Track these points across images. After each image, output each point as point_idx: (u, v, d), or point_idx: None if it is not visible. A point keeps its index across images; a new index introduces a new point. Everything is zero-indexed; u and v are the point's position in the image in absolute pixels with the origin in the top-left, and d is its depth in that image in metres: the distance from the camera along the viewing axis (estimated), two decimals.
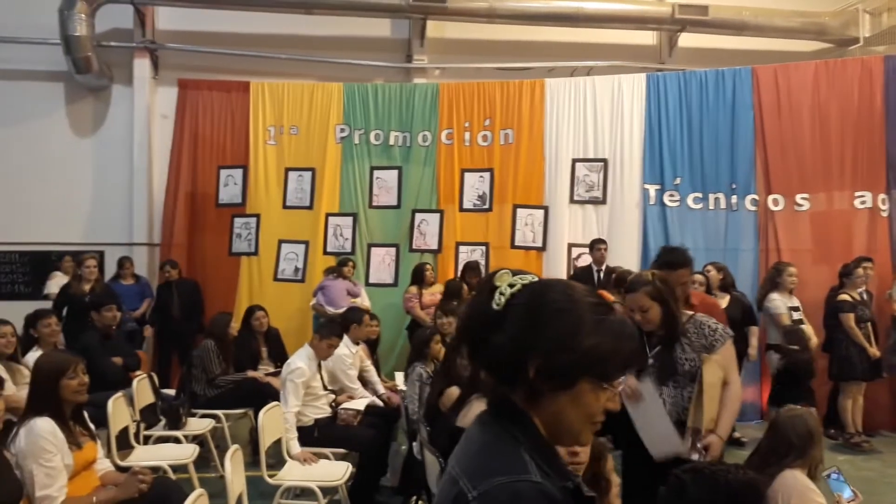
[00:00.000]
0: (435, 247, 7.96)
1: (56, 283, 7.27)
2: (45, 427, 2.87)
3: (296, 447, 4.26)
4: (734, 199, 7.58)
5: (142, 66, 8.43)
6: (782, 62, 7.91)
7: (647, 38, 9.24)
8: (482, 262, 7.71)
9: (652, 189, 7.75)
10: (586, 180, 7.89)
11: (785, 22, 8.73)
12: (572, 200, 7.91)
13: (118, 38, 8.42)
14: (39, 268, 8.00)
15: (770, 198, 7.49)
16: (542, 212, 7.93)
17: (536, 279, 1.14)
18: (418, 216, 8.04)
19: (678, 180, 7.72)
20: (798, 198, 7.43)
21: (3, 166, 8.32)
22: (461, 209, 8.05)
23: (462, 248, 7.93)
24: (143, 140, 8.41)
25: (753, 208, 7.53)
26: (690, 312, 3.06)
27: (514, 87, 8.15)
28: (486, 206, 8.03)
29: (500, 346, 1.08)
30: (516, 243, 7.95)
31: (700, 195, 7.68)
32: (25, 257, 8.40)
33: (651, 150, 7.80)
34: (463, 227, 8.03)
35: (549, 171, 7.98)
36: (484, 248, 7.93)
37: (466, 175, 8.09)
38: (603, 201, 7.86)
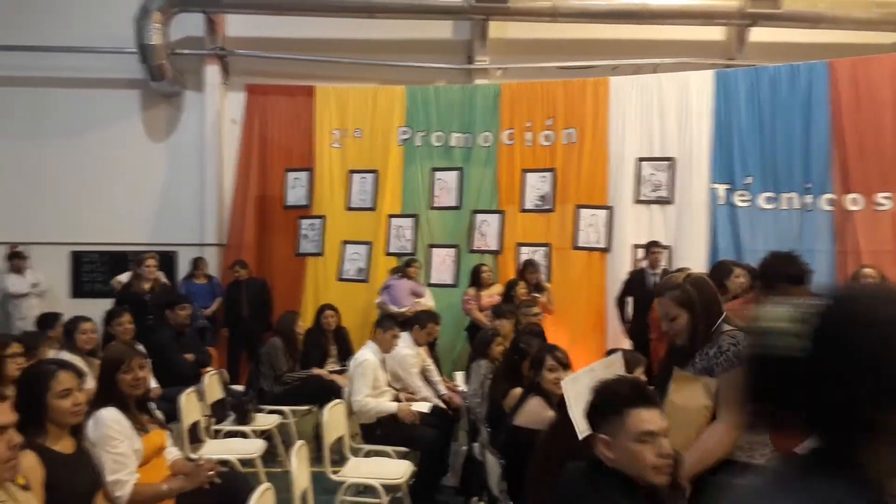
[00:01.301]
0: (495, 248, 7.94)
1: (125, 276, 7.53)
2: (109, 416, 2.98)
3: (392, 405, 4.53)
4: (808, 198, 7.29)
5: (212, 72, 8.72)
6: (860, 55, 7.54)
7: (715, 33, 8.96)
8: (543, 263, 7.65)
9: (721, 188, 7.52)
10: (652, 179, 7.72)
11: (864, 13, 8.31)
12: (637, 200, 7.75)
13: (190, 45, 8.73)
14: (117, 267, 8.37)
15: (848, 197, 7.16)
16: (605, 212, 7.80)
17: (824, 302, 0.88)
18: (479, 217, 8.03)
19: (749, 179, 7.47)
20: (879, 197, 7.08)
21: (84, 171, 8.75)
22: (522, 210, 8.00)
23: (523, 249, 7.88)
24: (213, 144, 8.69)
25: (829, 208, 7.21)
26: (730, 327, 2.48)
27: (577, 85, 8.04)
28: (548, 207, 7.96)
29: (831, 399, 0.83)
30: (579, 244, 7.84)
31: (772, 195, 7.40)
32: (105, 257, 8.81)
33: (720, 149, 7.57)
34: (524, 227, 7.98)
35: (613, 170, 7.85)
36: (545, 248, 7.85)
37: (528, 175, 8.03)
38: (669, 201, 7.68)
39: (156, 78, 8.38)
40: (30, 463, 2.34)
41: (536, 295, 6.68)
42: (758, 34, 8.65)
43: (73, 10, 8.65)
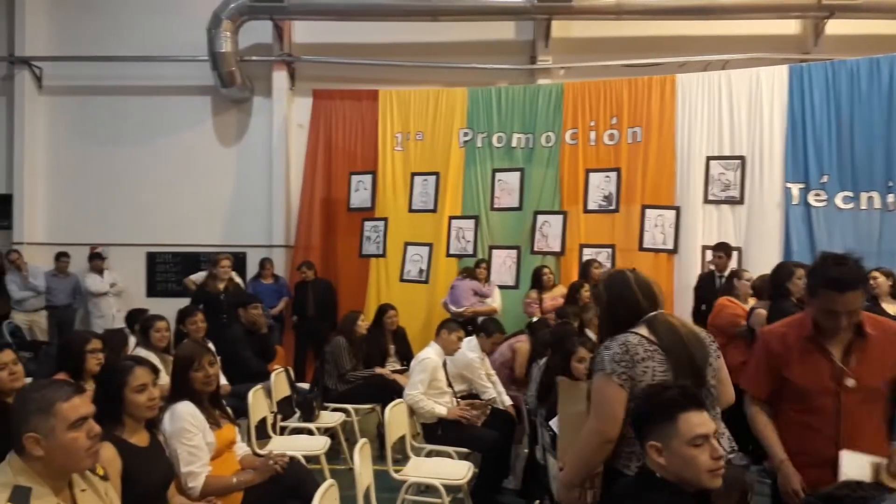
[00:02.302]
0: (558, 249, 7.85)
1: (201, 275, 7.82)
2: (185, 409, 3.09)
3: (443, 409, 4.52)
4: (890, 197, 6.93)
5: (280, 78, 8.95)
6: None
7: (789, 27, 8.62)
8: (608, 264, 7.51)
9: (795, 188, 7.23)
10: (722, 179, 7.49)
11: None
12: (706, 200, 7.53)
13: (258, 52, 8.99)
14: (190, 268, 8.71)
15: None
16: (673, 212, 7.61)
17: None
18: (540, 218, 7.96)
19: (825, 178, 7.15)
20: None
21: (158, 175, 9.13)
22: (586, 210, 7.89)
23: (586, 251, 7.77)
24: (280, 148, 8.92)
25: None
26: (634, 332, 2.29)
27: (642, 83, 7.88)
28: (613, 207, 7.82)
29: None
30: (645, 245, 7.67)
31: (850, 194, 7.07)
32: (178, 258, 9.17)
33: (794, 147, 7.28)
34: (587, 228, 7.86)
35: (681, 169, 7.65)
36: (610, 250, 7.72)
37: (591, 175, 7.91)
38: (740, 201, 7.43)
39: (226, 84, 8.66)
40: (108, 454, 2.45)
41: None
42: (835, 27, 8.28)
43: (148, 21, 9.04)
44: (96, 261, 8.55)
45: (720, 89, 7.58)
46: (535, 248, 7.91)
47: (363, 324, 6.03)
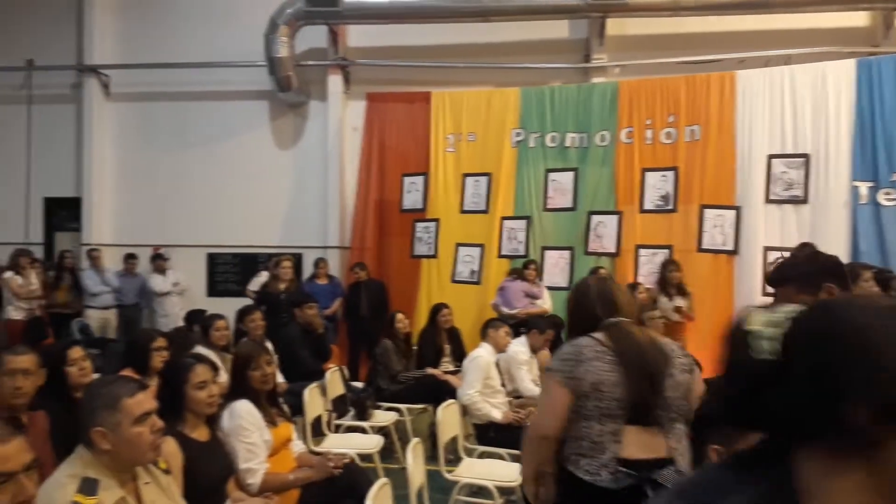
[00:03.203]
0: (612, 249, 7.73)
1: (258, 282, 8.04)
2: (242, 407, 3.17)
3: (498, 414, 4.53)
4: None
5: (335, 82, 9.09)
6: None
7: (856, 19, 8.27)
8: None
9: (863, 186, 6.94)
10: (784, 177, 7.25)
11: None
12: (768, 200, 7.30)
13: (314, 56, 9.15)
14: (248, 268, 8.94)
15: None
16: (733, 212, 7.40)
17: (798, 310, 0.89)
18: (594, 218, 7.86)
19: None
20: None
21: (218, 178, 9.39)
22: (642, 210, 7.75)
23: (643, 252, 7.63)
24: (335, 151, 9.06)
25: None
26: (586, 338, 2.36)
27: (701, 80, 7.70)
28: (670, 207, 7.66)
29: (796, 401, 0.84)
30: (704, 246, 7.48)
31: None
32: (237, 258, 9.42)
33: (862, 143, 6.99)
34: (644, 228, 7.72)
35: (742, 168, 7.44)
36: (667, 251, 7.55)
37: (648, 174, 7.77)
38: (804, 200, 7.17)
39: (283, 89, 8.85)
40: (170, 448, 2.54)
41: (679, 299, 6.45)
42: None
43: (208, 28, 9.31)
44: (158, 261, 8.86)
45: (783, 85, 7.34)
46: (590, 249, 7.81)
47: (401, 324, 6.07)
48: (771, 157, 7.32)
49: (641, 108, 7.87)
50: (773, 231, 7.21)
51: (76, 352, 3.33)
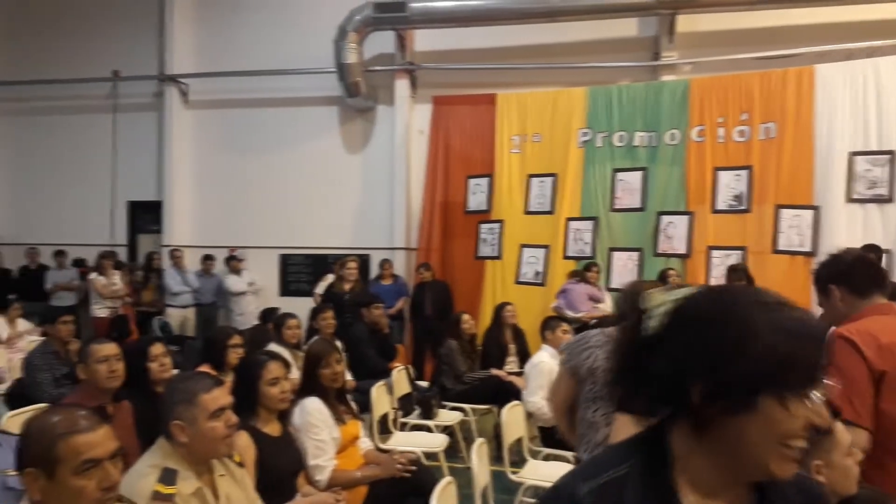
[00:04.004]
0: (683, 251, 7.54)
1: (323, 285, 8.24)
2: (312, 405, 3.26)
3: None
4: None
5: (402, 86, 9.21)
6: None
7: None
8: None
9: None
10: (868, 176, 6.90)
11: None
12: (850, 199, 6.98)
13: (382, 62, 9.30)
14: (319, 268, 9.17)
15: None
16: (811, 212, 7.11)
17: (695, 290, 1.00)
18: (664, 219, 7.69)
19: None
20: None
21: (290, 182, 9.67)
22: (714, 210, 7.53)
23: (715, 253, 7.41)
24: (401, 155, 9.18)
25: None
26: None
27: (776, 76, 7.43)
28: (744, 207, 7.42)
29: (658, 373, 0.95)
30: (779, 247, 7.22)
31: None
32: (308, 259, 9.67)
33: None
34: (716, 229, 7.50)
35: (820, 166, 7.13)
36: (740, 252, 7.32)
37: (720, 174, 7.55)
38: (889, 199, 6.82)
39: (351, 94, 9.04)
40: (244, 442, 2.64)
41: None
42: None
43: (281, 36, 9.60)
44: (233, 262, 9.19)
45: (866, 79, 7.00)
46: (659, 250, 7.65)
47: (467, 325, 6.09)
48: (853, 154, 6.99)
49: (713, 105, 7.65)
50: (854, 231, 6.87)
51: (157, 348, 3.50)
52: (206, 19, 10.01)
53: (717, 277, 7.20)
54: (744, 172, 7.47)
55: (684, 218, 7.60)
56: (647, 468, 0.96)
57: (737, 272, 6.49)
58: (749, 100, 7.51)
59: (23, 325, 6.99)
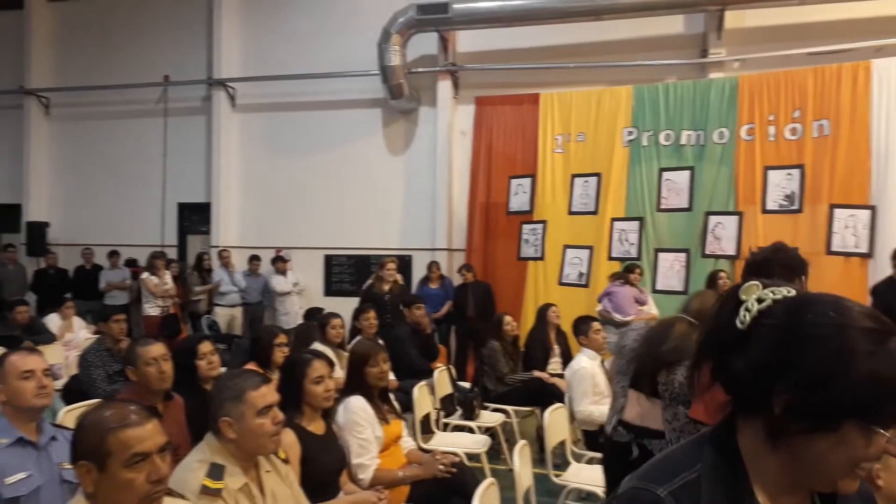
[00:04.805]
0: (732, 252, 7.37)
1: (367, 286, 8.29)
2: (357, 404, 3.27)
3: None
4: None
5: (444, 87, 9.23)
6: None
7: None
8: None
9: None
10: None
11: None
12: None
13: (425, 63, 9.33)
14: (362, 269, 9.26)
15: None
16: (867, 212, 6.87)
17: (794, 294, 0.95)
18: (712, 219, 7.52)
19: None
20: None
21: (334, 183, 9.78)
22: (764, 210, 7.34)
23: None
24: (444, 156, 9.20)
25: None
26: None
27: (830, 72, 7.20)
28: (796, 207, 7.21)
29: (741, 373, 0.93)
30: (833, 248, 6.99)
31: None
32: (351, 260, 9.77)
33: None
34: (766, 230, 7.30)
35: (877, 165, 6.90)
36: None
37: (770, 173, 7.35)
38: None
39: (395, 96, 9.09)
40: (289, 439, 2.68)
41: None
42: None
43: (324, 40, 9.72)
44: (279, 263, 9.34)
45: None
46: (707, 251, 7.49)
47: (509, 326, 6.05)
48: None
49: (763, 103, 7.47)
50: None
51: (206, 346, 3.58)
52: (252, 25, 10.20)
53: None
54: (796, 171, 7.26)
55: (733, 218, 7.43)
56: (719, 470, 0.95)
57: (720, 274, 6.32)
58: (802, 96, 7.31)
59: (78, 323, 7.23)
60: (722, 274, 6.75)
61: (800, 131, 7.31)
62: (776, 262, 2.44)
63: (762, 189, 7.38)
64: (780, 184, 7.33)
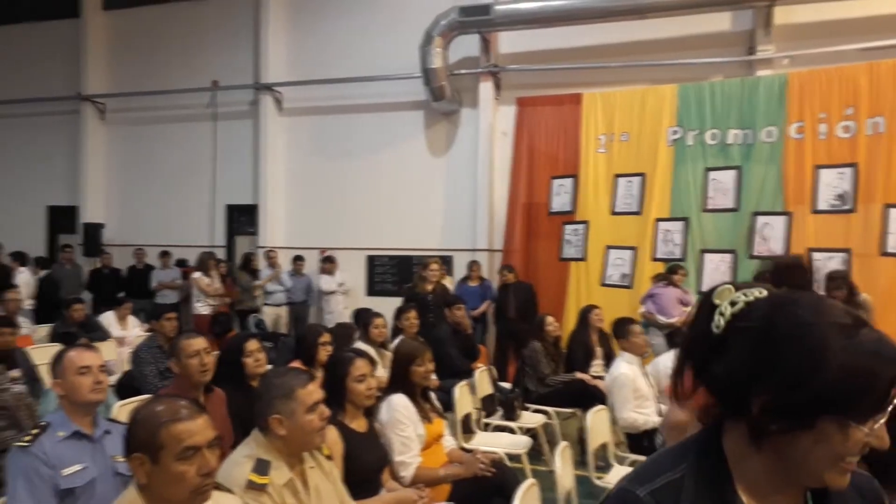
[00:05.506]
0: (780, 253, 7.17)
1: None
2: (399, 402, 3.31)
3: (657, 422, 4.38)
4: None
5: (486, 88, 9.24)
6: None
7: None
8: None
9: None
10: None
11: None
12: None
13: (466, 65, 9.36)
14: (403, 270, 9.33)
15: None
16: None
17: (766, 295, 0.96)
18: (760, 219, 7.35)
19: None
20: None
21: (376, 185, 9.89)
22: (815, 210, 7.15)
23: (816, 255, 7.03)
24: (485, 157, 9.21)
25: None
26: None
27: (886, 67, 6.98)
28: (848, 207, 7.00)
29: (719, 376, 0.94)
30: (888, 249, 6.76)
31: None
32: (394, 260, 9.87)
33: None
34: (817, 230, 7.11)
35: None
36: (844, 255, 6.91)
37: (821, 172, 7.15)
38: None
39: (437, 98, 9.15)
40: (333, 436, 2.73)
41: None
42: None
43: (368, 44, 9.85)
44: (328, 263, 9.49)
45: None
46: (755, 252, 7.32)
47: (551, 327, 6.01)
48: None
49: (814, 100, 7.27)
50: None
51: (252, 344, 3.68)
52: (297, 31, 10.38)
53: (819, 281, 6.81)
54: (848, 170, 7.05)
55: (782, 218, 7.25)
56: (702, 472, 0.96)
57: (835, 281, 6.06)
58: (855, 93, 7.09)
59: (132, 321, 7.47)
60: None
61: (853, 129, 7.10)
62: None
63: (812, 188, 7.19)
64: (832, 183, 7.13)
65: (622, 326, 4.88)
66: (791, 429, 0.90)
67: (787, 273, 2.37)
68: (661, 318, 6.75)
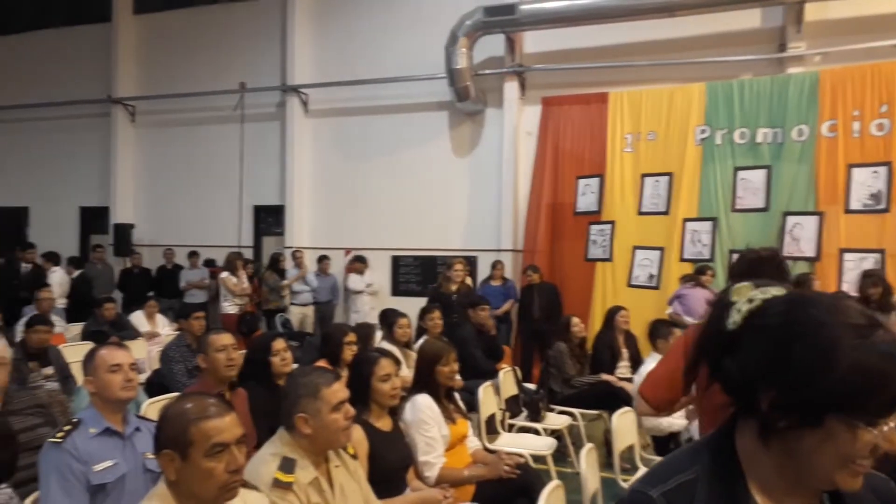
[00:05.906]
0: (812, 254, 7.06)
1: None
2: (424, 402, 3.32)
3: (680, 424, 4.40)
4: None
5: (511, 88, 9.22)
6: None
7: None
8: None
9: None
10: None
11: None
12: None
13: (491, 65, 9.35)
14: (428, 270, 9.35)
15: None
16: None
17: (783, 293, 0.97)
18: (791, 219, 7.23)
19: None
20: None
21: (401, 186, 9.92)
22: (847, 210, 7.01)
23: (848, 256, 6.89)
24: (510, 157, 9.19)
25: None
26: None
27: None
28: (882, 207, 6.85)
29: (731, 372, 0.95)
30: None
31: None
32: (418, 261, 9.89)
33: None
34: (849, 231, 6.97)
35: None
36: (878, 255, 6.76)
37: (855, 171, 7.01)
38: None
39: (461, 98, 9.14)
40: (358, 435, 2.75)
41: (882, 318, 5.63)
42: None
43: (393, 45, 9.88)
44: (357, 263, 9.55)
45: None
46: (785, 253, 7.17)
47: (577, 328, 5.97)
48: None
49: (847, 98, 7.13)
50: None
51: (279, 343, 3.71)
52: (323, 33, 10.46)
53: (850, 282, 6.68)
54: (882, 169, 6.90)
55: (813, 218, 7.12)
56: (716, 472, 0.97)
57: (871, 278, 5.94)
58: (889, 91, 6.95)
59: (161, 320, 7.59)
60: (811, 277, 6.44)
61: (887, 127, 6.95)
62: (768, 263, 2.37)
63: (845, 188, 7.05)
64: (866, 182, 6.99)
65: (662, 327, 4.86)
66: (798, 425, 0.90)
67: (759, 266, 2.34)
68: (689, 319, 6.66)
